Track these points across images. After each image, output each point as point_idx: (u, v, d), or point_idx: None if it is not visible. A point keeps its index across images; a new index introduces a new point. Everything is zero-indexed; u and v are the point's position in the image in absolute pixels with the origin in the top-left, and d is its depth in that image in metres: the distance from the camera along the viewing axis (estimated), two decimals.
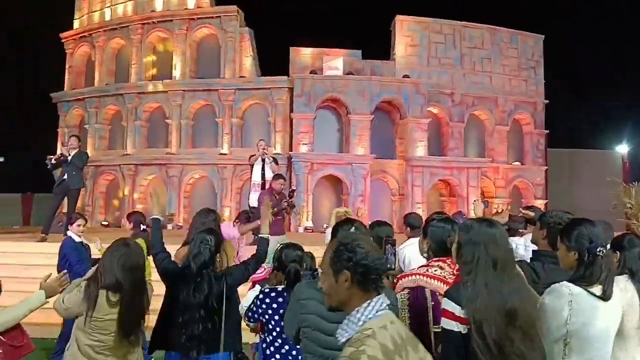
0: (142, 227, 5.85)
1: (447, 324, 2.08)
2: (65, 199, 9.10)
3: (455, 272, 2.56)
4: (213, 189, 16.93)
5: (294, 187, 7.37)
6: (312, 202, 16.00)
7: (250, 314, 3.27)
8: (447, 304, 2.09)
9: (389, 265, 2.66)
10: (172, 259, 3.70)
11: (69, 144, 9.11)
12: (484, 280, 2.01)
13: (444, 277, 2.54)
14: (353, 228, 2.42)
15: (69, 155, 8.92)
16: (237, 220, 6.06)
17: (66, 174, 8.88)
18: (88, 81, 19.40)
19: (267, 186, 8.78)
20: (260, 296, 3.27)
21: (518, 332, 1.96)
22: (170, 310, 3.30)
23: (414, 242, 4.13)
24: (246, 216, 6.26)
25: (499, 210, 3.26)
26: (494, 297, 1.98)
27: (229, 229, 6.03)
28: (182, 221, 16.37)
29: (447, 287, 2.49)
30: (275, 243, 6.01)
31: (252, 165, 9.25)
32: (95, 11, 19.63)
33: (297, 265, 3.36)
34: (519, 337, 1.95)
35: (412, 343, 1.62)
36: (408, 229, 4.30)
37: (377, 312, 1.62)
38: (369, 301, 1.65)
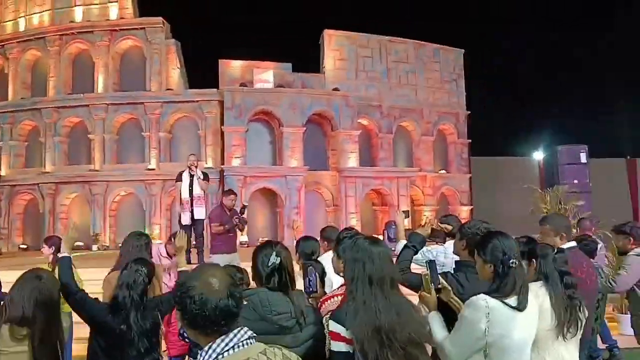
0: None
1: (335, 346, 2.09)
2: None
3: None
4: (141, 207, 16.30)
5: (245, 203, 7.21)
6: (247, 216, 15.75)
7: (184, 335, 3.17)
8: (334, 326, 2.10)
9: (310, 289, 2.67)
10: (102, 285, 3.53)
11: None
12: (362, 298, 2.06)
13: None
14: (274, 253, 2.37)
15: None
16: (169, 242, 5.84)
17: None
18: (1, 95, 18.13)
19: (194, 203, 8.57)
20: None
21: (397, 351, 1.98)
22: (104, 352, 3.08)
23: (330, 254, 4.18)
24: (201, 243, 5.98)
25: (422, 224, 3.36)
26: (369, 314, 2.02)
27: (160, 248, 5.84)
28: (109, 241, 15.63)
29: None
30: (228, 260, 5.85)
31: (179, 182, 8.94)
32: (8, 21, 18.44)
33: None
34: (399, 356, 1.98)
35: None
36: (325, 242, 4.31)
37: (217, 355, 1.49)
38: (209, 346, 1.52)
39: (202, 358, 1.51)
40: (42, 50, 17.46)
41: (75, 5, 17.53)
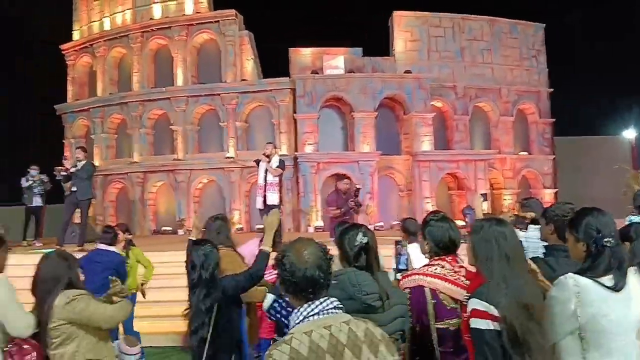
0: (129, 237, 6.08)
1: (477, 323, 2.14)
2: (78, 210, 9.25)
3: (455, 269, 2.64)
4: (221, 193, 17.07)
5: (358, 186, 7.40)
6: (320, 202, 16.07)
7: (269, 313, 3.33)
8: (477, 304, 2.16)
9: (401, 266, 2.76)
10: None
11: (75, 156, 9.22)
12: (502, 275, 2.12)
13: (444, 274, 2.63)
14: (360, 234, 2.46)
15: (76, 166, 9.05)
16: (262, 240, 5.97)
17: (74, 186, 9.01)
18: (91, 91, 19.58)
19: (267, 189, 8.79)
20: (280, 302, 3.29)
21: (536, 325, 2.06)
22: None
23: (414, 246, 4.21)
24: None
25: (504, 210, 3.33)
26: (513, 291, 2.08)
27: (254, 248, 5.76)
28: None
29: (448, 283, 2.58)
30: None
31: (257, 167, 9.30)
32: (95, 21, 19.78)
33: None
34: (537, 329, 2.05)
35: (340, 352, 1.63)
36: (405, 234, 4.34)
37: (304, 318, 1.69)
38: (297, 308, 1.73)
39: (294, 316, 1.74)
40: (126, 47, 18.61)
41: (154, 3, 18.45)
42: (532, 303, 2.07)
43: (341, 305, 1.76)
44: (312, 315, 1.69)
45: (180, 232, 15.95)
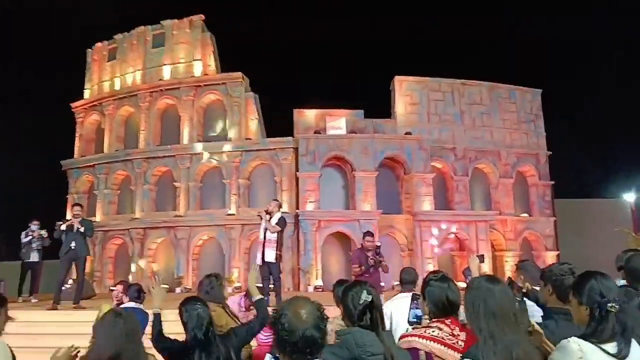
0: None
1: None
2: (73, 267, 9.12)
3: (454, 332, 2.57)
4: (221, 250, 16.93)
5: (378, 243, 7.38)
6: (321, 260, 15.91)
7: None
8: None
9: (415, 320, 2.70)
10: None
11: (74, 212, 9.16)
12: (489, 333, 2.08)
13: (442, 338, 2.53)
14: (365, 291, 2.43)
15: (79, 225, 9.02)
16: (246, 295, 5.88)
17: (74, 242, 8.94)
18: (97, 148, 19.91)
19: (265, 245, 8.75)
20: None
21: None
22: None
23: (402, 296, 4.14)
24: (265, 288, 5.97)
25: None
26: (503, 349, 2.03)
27: (231, 303, 5.68)
28: (191, 284, 16.24)
29: (444, 347, 2.51)
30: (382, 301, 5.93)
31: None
32: (105, 81, 20.44)
33: None
34: None
35: None
36: (400, 283, 4.28)
37: None
38: None
39: None
40: (134, 106, 19.11)
41: (164, 64, 19.13)
42: None
43: None
44: None
45: (178, 289, 15.69)
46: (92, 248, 18.04)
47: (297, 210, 16.31)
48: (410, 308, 2.77)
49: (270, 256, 8.71)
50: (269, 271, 8.81)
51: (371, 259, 7.18)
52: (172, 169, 17.92)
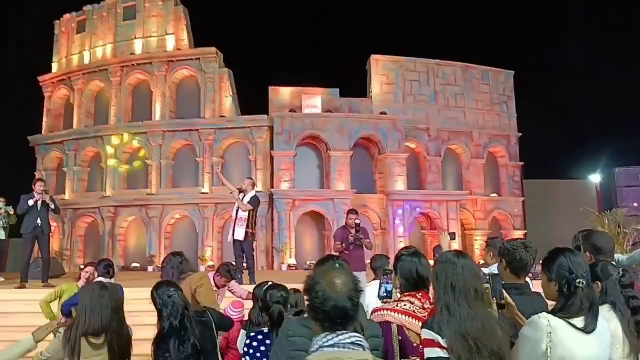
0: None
1: (428, 352, 2.13)
2: (37, 244, 8.90)
3: (425, 305, 2.61)
4: (194, 229, 16.77)
5: (357, 221, 7.36)
6: (295, 239, 15.94)
7: (247, 353, 3.24)
8: (427, 333, 2.14)
9: (385, 294, 2.73)
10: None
11: (35, 187, 8.85)
12: (445, 304, 2.10)
13: (413, 311, 2.58)
14: (337, 264, 2.43)
15: (49, 201, 8.78)
16: (217, 274, 5.81)
17: (39, 219, 8.70)
18: (66, 124, 19.31)
19: (235, 223, 8.70)
20: (247, 341, 3.26)
21: (487, 359, 2.01)
22: None
23: (375, 283, 4.15)
24: (226, 269, 5.92)
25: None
26: (455, 321, 2.05)
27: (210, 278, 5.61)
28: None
29: (415, 320, 2.54)
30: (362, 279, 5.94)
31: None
32: (74, 54, 19.73)
33: (280, 307, 3.35)
34: None
35: None
36: (371, 270, 4.29)
37: (318, 347, 1.68)
38: (316, 336, 1.73)
39: (312, 343, 1.72)
40: (104, 81, 18.54)
41: (135, 38, 18.55)
42: (478, 336, 2.03)
43: (362, 343, 1.71)
44: (326, 346, 1.67)
45: (150, 268, 15.53)
46: (61, 225, 17.68)
47: (271, 189, 16.24)
48: (381, 283, 2.79)
49: (240, 234, 8.65)
50: (241, 249, 8.78)
51: (351, 235, 7.27)
52: (144, 146, 17.51)
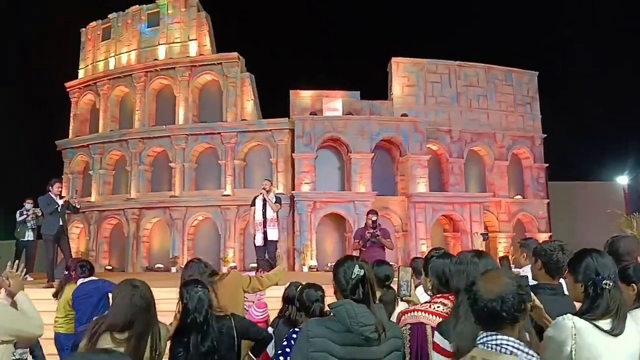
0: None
1: (435, 357, 2.08)
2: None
3: None
4: (217, 231, 16.91)
5: (374, 218, 7.46)
6: (316, 241, 15.93)
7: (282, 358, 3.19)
8: (438, 338, 2.10)
9: (403, 292, 2.71)
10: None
11: (54, 189, 9.01)
12: (464, 310, 2.02)
13: (446, 313, 2.55)
14: (357, 266, 2.42)
15: (75, 202, 9.00)
16: (259, 270, 5.87)
17: (61, 220, 8.92)
18: (92, 128, 19.72)
19: (267, 225, 8.78)
20: (285, 341, 3.20)
21: None
22: None
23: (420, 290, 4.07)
24: (267, 263, 6.00)
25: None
26: (470, 326, 1.98)
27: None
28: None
29: None
30: None
31: (253, 205, 9.19)
32: (100, 60, 20.14)
33: (321, 305, 3.39)
34: None
35: None
36: (415, 275, 4.22)
37: (478, 343, 1.78)
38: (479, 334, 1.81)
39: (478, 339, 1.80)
40: (129, 86, 18.87)
41: (159, 44, 18.85)
42: None
43: (517, 347, 1.72)
44: (487, 343, 1.76)
45: (174, 269, 15.71)
46: (87, 227, 18.05)
47: (292, 192, 16.27)
48: (401, 280, 2.77)
49: (274, 235, 8.73)
50: (265, 251, 8.82)
51: (368, 232, 7.35)
52: (168, 150, 17.79)
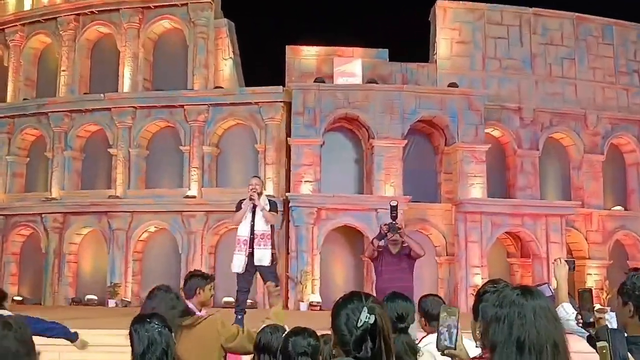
0: None
1: None
2: None
3: None
4: (176, 248, 16.99)
5: (393, 203, 7.65)
6: (320, 266, 15.99)
7: None
8: None
9: (446, 342, 2.72)
10: None
11: None
12: None
13: None
14: (365, 309, 2.39)
15: None
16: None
17: None
18: None
19: (255, 243, 8.57)
20: None
21: None
22: None
23: (434, 339, 4.12)
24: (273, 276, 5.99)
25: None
26: None
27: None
28: (131, 295, 16.37)
29: None
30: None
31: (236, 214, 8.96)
32: None
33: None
34: None
35: None
36: (423, 319, 4.27)
37: None
38: None
39: None
40: (51, 35, 19.04)
41: None
42: None
43: None
44: None
45: (112, 302, 15.83)
46: None
47: (287, 194, 16.34)
48: (442, 326, 2.79)
49: (265, 258, 8.34)
50: (252, 282, 8.80)
51: (384, 225, 7.39)
52: (106, 129, 17.89)
